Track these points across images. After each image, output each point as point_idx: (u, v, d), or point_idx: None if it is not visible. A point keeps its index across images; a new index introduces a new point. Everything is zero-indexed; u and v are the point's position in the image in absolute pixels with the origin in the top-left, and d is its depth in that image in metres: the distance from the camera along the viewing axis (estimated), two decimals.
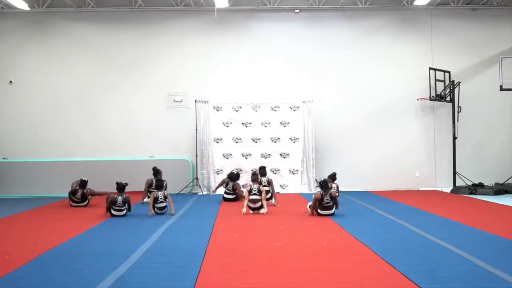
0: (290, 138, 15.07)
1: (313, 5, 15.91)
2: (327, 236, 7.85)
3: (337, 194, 10.45)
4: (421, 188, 15.65)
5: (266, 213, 10.17)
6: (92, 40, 15.99)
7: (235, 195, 12.52)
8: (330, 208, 9.65)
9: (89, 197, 11.97)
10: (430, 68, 15.24)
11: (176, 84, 15.80)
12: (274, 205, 11.44)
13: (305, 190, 14.74)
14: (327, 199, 9.60)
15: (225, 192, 12.71)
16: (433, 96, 15.18)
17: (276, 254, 6.49)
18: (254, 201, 10.27)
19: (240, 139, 15.15)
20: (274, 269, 5.73)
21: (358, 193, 14.48)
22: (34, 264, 6.09)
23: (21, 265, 5.98)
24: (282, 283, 5.17)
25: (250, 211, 10.22)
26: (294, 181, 14.90)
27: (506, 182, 14.70)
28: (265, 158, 14.90)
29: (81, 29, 15.99)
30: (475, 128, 15.83)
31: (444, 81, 15.33)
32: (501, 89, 14.52)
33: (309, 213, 9.90)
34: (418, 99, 15.68)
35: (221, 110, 15.28)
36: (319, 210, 9.67)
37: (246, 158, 14.89)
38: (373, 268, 5.69)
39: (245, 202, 10.25)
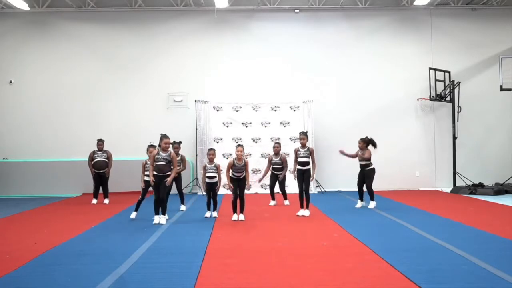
0: (290, 138, 15.07)
1: (313, 5, 15.91)
2: (327, 236, 7.85)
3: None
4: (421, 188, 15.65)
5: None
6: (92, 40, 16.00)
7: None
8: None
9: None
10: (430, 68, 15.25)
11: (176, 84, 15.80)
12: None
13: None
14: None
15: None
16: (433, 96, 15.18)
17: (276, 254, 6.48)
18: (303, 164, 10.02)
19: (240, 139, 15.14)
20: (274, 269, 5.72)
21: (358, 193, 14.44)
22: (34, 264, 6.08)
23: (21, 265, 5.97)
24: (282, 283, 5.16)
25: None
26: (294, 181, 14.84)
27: (506, 182, 14.70)
28: (265, 158, 14.85)
29: (81, 29, 15.99)
30: (475, 128, 15.83)
31: (444, 81, 15.33)
32: (501, 89, 14.53)
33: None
34: (418, 99, 15.68)
35: (221, 110, 15.28)
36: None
37: (246, 158, 14.85)
38: (373, 268, 5.69)
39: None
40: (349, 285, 5.06)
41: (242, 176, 9.52)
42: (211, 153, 9.80)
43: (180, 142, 11.09)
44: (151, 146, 9.93)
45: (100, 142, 12.80)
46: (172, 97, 15.79)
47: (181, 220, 9.71)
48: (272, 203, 12.08)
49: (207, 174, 9.68)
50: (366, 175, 11.25)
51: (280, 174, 11.75)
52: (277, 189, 12.21)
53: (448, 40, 16.02)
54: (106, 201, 12.50)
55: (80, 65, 15.90)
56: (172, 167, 9.05)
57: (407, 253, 6.35)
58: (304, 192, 9.98)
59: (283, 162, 11.72)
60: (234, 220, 9.38)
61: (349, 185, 15.17)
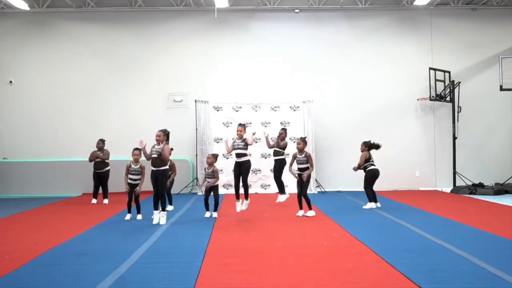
0: (290, 138, 15.03)
1: (313, 5, 15.91)
2: (327, 236, 7.85)
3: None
4: (421, 188, 15.65)
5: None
6: (92, 40, 15.99)
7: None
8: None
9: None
10: (430, 68, 15.25)
11: (176, 84, 15.80)
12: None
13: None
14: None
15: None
16: (433, 96, 15.18)
17: (276, 254, 6.49)
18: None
19: None
20: (274, 269, 5.73)
21: (358, 193, 14.44)
22: (34, 264, 6.08)
23: (21, 265, 5.98)
24: (282, 283, 5.16)
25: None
26: (294, 181, 14.85)
27: (506, 182, 14.70)
28: (265, 158, 14.90)
29: (81, 29, 15.99)
30: (475, 128, 15.83)
31: (444, 81, 15.33)
32: (501, 89, 14.52)
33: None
34: (418, 99, 15.68)
35: (221, 110, 15.28)
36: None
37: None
38: (373, 268, 5.69)
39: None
40: (349, 285, 5.07)
41: (244, 160, 9.66)
42: (209, 157, 10.01)
43: (172, 149, 10.81)
44: (136, 149, 9.92)
45: (100, 141, 12.81)
46: (172, 97, 15.79)
47: (181, 220, 9.72)
48: (281, 197, 11.94)
49: (207, 178, 9.92)
50: (364, 176, 11.22)
51: (280, 157, 11.86)
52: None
53: (448, 40, 16.02)
54: (106, 201, 12.50)
55: (80, 65, 15.90)
56: (163, 161, 9.03)
57: (407, 253, 6.36)
58: (302, 196, 9.96)
59: (284, 147, 11.90)
60: (238, 211, 9.75)
61: (349, 185, 15.20)
